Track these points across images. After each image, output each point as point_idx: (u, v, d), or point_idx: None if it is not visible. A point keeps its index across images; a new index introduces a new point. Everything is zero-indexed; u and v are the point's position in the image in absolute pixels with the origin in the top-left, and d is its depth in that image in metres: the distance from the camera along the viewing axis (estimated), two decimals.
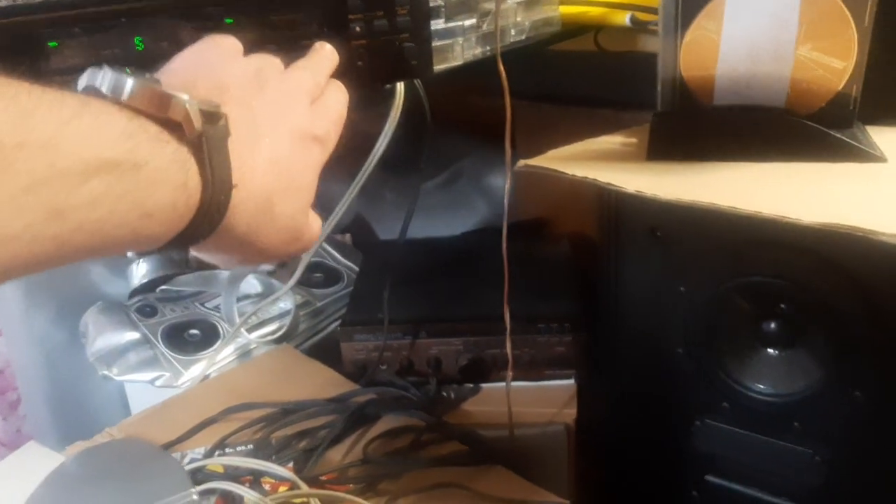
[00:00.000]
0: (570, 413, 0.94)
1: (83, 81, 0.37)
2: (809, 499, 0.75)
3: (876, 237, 0.54)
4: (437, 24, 0.77)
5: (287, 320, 1.12)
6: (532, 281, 1.04)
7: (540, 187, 1.26)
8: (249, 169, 0.39)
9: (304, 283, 1.24)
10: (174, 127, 0.36)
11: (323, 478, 0.78)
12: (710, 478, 0.81)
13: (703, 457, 0.81)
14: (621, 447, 0.88)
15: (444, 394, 0.96)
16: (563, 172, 0.71)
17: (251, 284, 1.18)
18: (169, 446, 0.84)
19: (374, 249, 1.26)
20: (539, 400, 0.96)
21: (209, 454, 0.81)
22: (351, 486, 0.76)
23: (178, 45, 0.49)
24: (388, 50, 0.64)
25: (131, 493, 0.46)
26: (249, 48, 0.59)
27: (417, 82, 0.74)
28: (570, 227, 1.25)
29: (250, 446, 0.83)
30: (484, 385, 0.99)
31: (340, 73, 0.62)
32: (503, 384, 0.98)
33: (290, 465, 0.80)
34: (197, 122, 0.36)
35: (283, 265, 1.26)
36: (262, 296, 1.17)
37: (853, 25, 0.67)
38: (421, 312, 1.00)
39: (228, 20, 0.58)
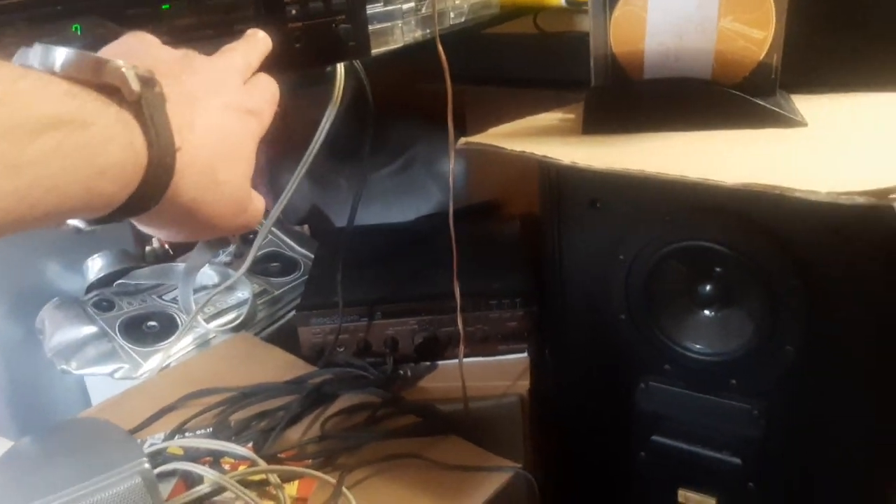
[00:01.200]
0: (524, 385, 0.97)
1: (16, 61, 0.39)
2: (749, 451, 0.79)
3: (791, 195, 0.58)
4: (376, 8, 0.80)
5: (245, 309, 1.13)
6: (483, 260, 1.08)
7: (494, 171, 1.30)
8: (189, 132, 0.41)
9: (262, 272, 1.25)
10: (113, 91, 0.37)
11: (282, 455, 0.80)
12: (656, 438, 0.85)
13: (649, 418, 0.84)
14: (572, 414, 0.92)
15: (401, 372, 0.98)
16: (501, 148, 0.74)
17: (208, 276, 1.19)
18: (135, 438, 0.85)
19: (329, 237, 1.27)
20: (494, 374, 0.99)
21: (169, 438, 0.83)
22: (309, 461, 0.78)
23: (116, 33, 0.50)
24: (325, 32, 0.65)
25: (81, 467, 0.48)
26: (186, 33, 0.60)
27: (359, 66, 0.76)
28: (522, 209, 1.28)
29: (209, 429, 0.85)
30: (440, 363, 1.01)
31: (278, 56, 0.64)
32: (452, 361, 1.01)
33: (250, 445, 0.81)
34: (135, 85, 0.37)
35: (239, 256, 1.27)
36: (219, 286, 1.18)
37: None
38: (375, 294, 1.02)
39: (165, 6, 0.59)
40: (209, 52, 0.50)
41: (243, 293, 1.16)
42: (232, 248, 1.27)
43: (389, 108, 1.47)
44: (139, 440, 0.83)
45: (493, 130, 0.80)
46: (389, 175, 1.46)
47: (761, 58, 0.73)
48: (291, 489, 0.75)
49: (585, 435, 0.91)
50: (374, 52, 0.78)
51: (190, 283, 1.12)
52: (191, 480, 0.75)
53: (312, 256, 1.29)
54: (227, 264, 1.24)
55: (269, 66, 0.64)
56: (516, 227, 1.19)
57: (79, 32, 0.56)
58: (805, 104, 0.79)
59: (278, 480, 0.75)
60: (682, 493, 0.85)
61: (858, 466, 0.74)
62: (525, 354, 1.02)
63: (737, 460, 0.80)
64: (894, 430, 0.72)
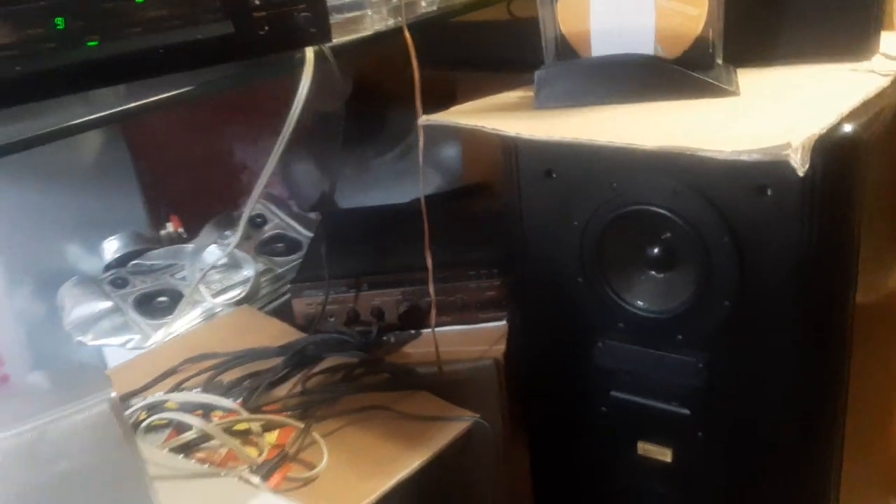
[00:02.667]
0: (500, 349, 1.03)
1: None
2: (696, 401, 0.84)
3: (702, 154, 0.63)
4: None
5: (248, 286, 1.21)
6: (466, 235, 1.14)
7: (485, 154, 1.36)
8: None
9: (268, 252, 1.34)
10: None
11: (266, 409, 0.87)
12: (614, 393, 0.90)
13: (607, 374, 0.90)
14: (537, 374, 0.98)
15: (385, 338, 1.05)
16: (457, 123, 0.80)
17: (215, 255, 1.27)
18: (133, 394, 0.94)
19: (327, 218, 1.35)
20: (472, 340, 1.06)
21: (164, 399, 0.91)
22: (289, 413, 0.86)
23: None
24: (287, 20, 0.73)
25: (55, 399, 0.55)
26: (158, 24, 0.68)
27: (328, 54, 0.83)
28: None
29: (203, 389, 0.93)
30: (424, 331, 1.08)
31: (245, 43, 0.72)
32: (441, 328, 1.08)
33: (239, 400, 0.89)
34: None
35: (247, 238, 1.36)
36: (227, 266, 1.27)
37: None
38: (363, 267, 1.10)
39: (139, 0, 0.67)
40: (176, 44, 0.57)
41: (248, 271, 1.24)
42: (238, 230, 1.36)
43: (390, 97, 1.55)
44: (140, 397, 0.92)
45: (454, 108, 0.87)
46: (391, 160, 1.54)
47: (698, 33, 0.78)
48: (272, 437, 0.83)
49: (550, 393, 0.97)
50: (345, 39, 0.86)
51: (196, 261, 1.21)
52: (181, 430, 0.83)
53: None
54: (236, 246, 1.32)
55: (239, 52, 0.72)
56: (499, 204, 1.25)
57: (62, 27, 0.64)
58: (748, 76, 0.84)
59: (259, 429, 0.83)
60: (642, 446, 0.91)
61: (794, 409, 0.79)
62: (504, 322, 1.08)
63: (685, 411, 0.85)
64: (821, 375, 0.77)
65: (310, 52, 0.80)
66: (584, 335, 0.90)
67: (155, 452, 0.77)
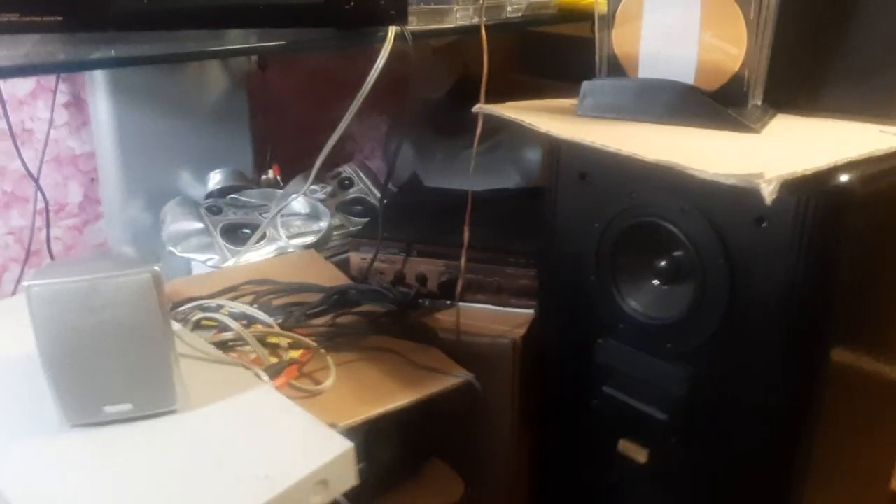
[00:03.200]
0: (520, 332, 1.12)
1: None
2: (675, 408, 0.91)
3: (688, 171, 0.71)
4: None
5: (321, 234, 1.36)
6: (516, 226, 1.24)
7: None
8: None
9: (346, 211, 1.48)
10: None
11: (298, 330, 1.00)
12: (606, 388, 0.98)
13: (603, 370, 0.97)
14: (545, 362, 1.06)
15: (421, 301, 1.16)
16: (502, 114, 0.90)
17: (301, 205, 1.42)
18: (197, 299, 1.09)
19: (403, 190, 1.47)
20: (499, 320, 1.15)
21: (221, 305, 1.06)
22: (315, 339, 0.99)
23: None
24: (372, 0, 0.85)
25: (111, 266, 0.70)
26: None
27: (408, 36, 0.94)
28: None
29: (255, 305, 1.07)
30: (461, 304, 1.19)
31: (333, 14, 0.85)
32: (475, 305, 1.18)
33: (279, 320, 1.03)
34: None
35: (333, 195, 1.51)
36: (308, 215, 1.42)
37: (742, 18, 0.82)
38: (416, 236, 1.21)
39: None
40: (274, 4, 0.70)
41: (324, 223, 1.39)
42: (328, 188, 1.51)
43: (488, 93, 1.66)
44: (206, 302, 1.07)
45: (510, 104, 0.97)
46: (480, 153, 1.64)
47: (735, 71, 0.85)
48: (295, 354, 0.96)
49: (553, 380, 1.05)
50: (426, 27, 0.98)
51: (283, 205, 1.36)
52: (224, 331, 0.97)
53: None
54: (322, 200, 1.47)
55: (326, 20, 0.86)
56: None
57: None
58: (786, 120, 0.90)
59: (286, 345, 0.96)
60: (623, 443, 0.98)
61: (767, 428, 0.84)
62: (532, 311, 1.17)
63: (664, 416, 0.92)
64: (794, 401, 0.82)
65: (391, 31, 0.92)
66: (588, 330, 0.98)
67: (193, 337, 0.91)
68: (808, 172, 0.71)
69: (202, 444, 0.73)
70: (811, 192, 0.75)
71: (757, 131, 0.84)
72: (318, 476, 0.69)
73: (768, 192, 0.66)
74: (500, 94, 1.47)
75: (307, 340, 0.97)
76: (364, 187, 1.53)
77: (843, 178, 0.75)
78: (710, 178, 0.69)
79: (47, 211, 1.41)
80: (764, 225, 0.78)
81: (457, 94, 1.72)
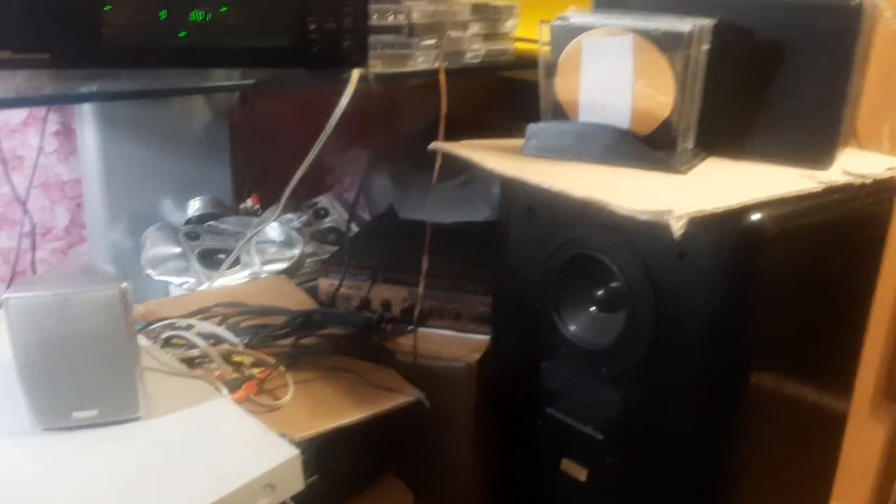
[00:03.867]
0: (476, 357, 1.19)
1: None
2: (609, 428, 0.97)
3: (608, 208, 0.78)
4: (401, 38, 1.07)
5: (293, 261, 1.43)
6: (477, 256, 1.31)
7: None
8: None
9: (319, 239, 1.55)
10: None
11: (263, 350, 1.07)
12: (549, 410, 1.04)
13: (547, 392, 1.04)
14: (496, 384, 1.12)
15: (384, 326, 1.23)
16: (459, 154, 0.98)
17: (276, 232, 1.50)
18: (170, 318, 1.15)
19: (374, 220, 1.55)
20: (457, 345, 1.22)
21: (191, 325, 1.12)
22: (278, 358, 1.05)
23: None
24: (334, 44, 0.93)
25: (82, 281, 0.76)
26: (222, 36, 0.89)
27: (371, 78, 1.02)
28: None
29: (224, 326, 1.14)
30: (421, 329, 1.25)
31: (299, 56, 0.92)
32: (435, 330, 1.25)
33: (244, 340, 1.09)
34: None
35: (308, 225, 1.58)
36: (282, 242, 1.49)
37: (670, 70, 0.90)
38: (382, 263, 1.28)
39: (223, 9, 0.89)
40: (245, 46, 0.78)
41: (297, 250, 1.46)
42: (304, 217, 1.59)
43: (465, 132, 1.74)
44: (177, 321, 1.13)
45: (464, 142, 1.04)
46: (452, 186, 1.73)
47: (665, 117, 0.93)
48: (257, 371, 1.02)
49: (503, 402, 1.11)
50: (388, 70, 1.06)
51: (259, 232, 1.43)
52: (192, 348, 1.04)
53: None
54: (297, 229, 1.55)
55: (292, 62, 0.93)
56: None
57: (164, 18, 0.87)
58: (715, 163, 0.98)
59: (248, 363, 1.02)
60: (565, 462, 1.04)
61: (695, 447, 0.90)
62: (489, 337, 1.23)
63: (599, 436, 0.98)
64: (718, 422, 0.89)
65: (355, 73, 0.99)
66: (535, 354, 1.04)
67: (161, 352, 0.97)
68: (718, 211, 0.78)
69: (161, 449, 0.79)
70: (726, 229, 0.82)
71: (683, 173, 0.92)
72: (265, 480, 0.75)
73: (676, 227, 0.74)
74: (474, 132, 1.55)
75: (269, 359, 1.03)
76: (339, 217, 1.60)
77: (756, 217, 0.83)
78: (628, 214, 0.77)
79: (34, 234, 1.48)
80: (686, 259, 0.86)
81: (433, 130, 1.80)
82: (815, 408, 1.06)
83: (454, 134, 1.15)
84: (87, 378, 0.79)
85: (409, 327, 1.25)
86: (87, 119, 1.41)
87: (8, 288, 1.46)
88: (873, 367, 1.48)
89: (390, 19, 1.04)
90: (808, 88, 0.94)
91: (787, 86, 0.96)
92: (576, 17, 0.96)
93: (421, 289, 1.13)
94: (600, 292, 0.97)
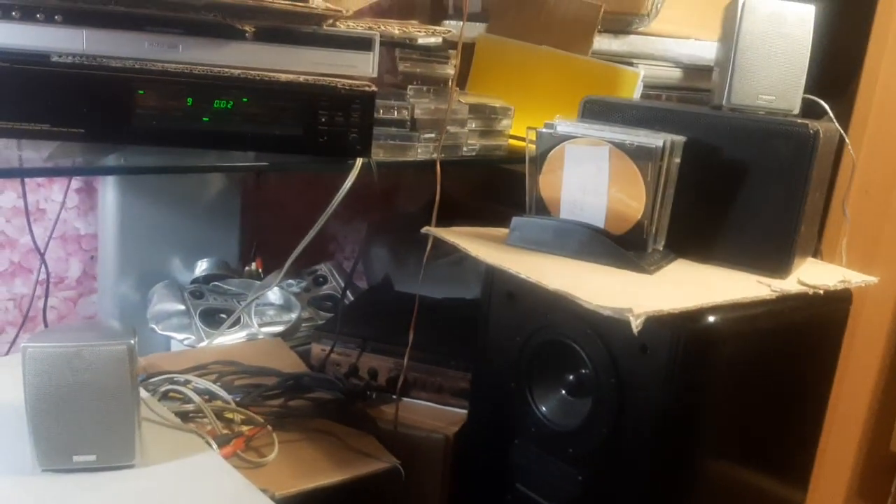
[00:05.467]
0: (454, 429, 1.25)
1: None
2: None
3: (577, 301, 0.86)
4: (403, 131, 1.17)
5: (290, 325, 1.50)
6: (463, 334, 1.38)
7: None
8: None
9: (318, 306, 1.63)
10: None
11: (253, 409, 1.14)
12: (518, 485, 1.10)
13: (516, 468, 1.10)
14: (469, 456, 1.19)
15: (369, 393, 1.29)
16: (448, 240, 1.07)
17: (276, 296, 1.58)
18: (169, 372, 1.23)
19: (368, 291, 1.63)
20: (437, 417, 1.28)
21: (189, 380, 1.19)
22: (266, 417, 1.12)
23: None
24: (341, 136, 1.03)
25: (93, 336, 0.84)
26: (241, 122, 0.99)
27: (373, 166, 1.11)
28: None
29: (219, 383, 1.21)
30: (405, 399, 1.32)
31: (309, 145, 1.02)
32: (417, 401, 1.32)
33: (237, 398, 1.16)
34: None
35: (307, 290, 1.66)
36: (280, 306, 1.57)
37: (640, 179, 1.00)
38: (371, 334, 1.36)
39: (244, 99, 0.99)
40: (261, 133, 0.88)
41: (294, 314, 1.54)
42: (304, 283, 1.67)
43: (460, 214, 1.84)
44: (176, 376, 1.21)
45: (455, 229, 1.13)
46: (445, 264, 1.81)
47: (636, 220, 1.02)
48: (245, 428, 1.09)
49: (477, 474, 1.17)
50: (390, 159, 1.16)
51: (260, 295, 1.51)
52: (187, 402, 1.11)
53: None
54: (296, 294, 1.63)
55: (302, 149, 1.03)
56: None
57: (190, 104, 0.97)
58: (683, 266, 1.06)
59: (239, 420, 1.09)
60: None
61: None
62: (467, 411, 1.30)
63: None
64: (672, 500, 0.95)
65: (358, 162, 1.09)
66: (507, 431, 1.11)
67: (158, 405, 1.04)
68: (675, 311, 0.86)
69: (150, 497, 0.86)
70: (683, 328, 0.90)
71: (650, 272, 1.00)
72: None
73: (635, 324, 0.82)
74: (469, 216, 1.64)
75: (258, 418, 1.10)
76: (336, 285, 1.68)
77: (711, 318, 0.91)
78: (593, 308, 0.85)
79: (48, 282, 1.56)
80: (647, 353, 0.93)
81: (431, 209, 1.90)
82: (770, 497, 1.12)
83: (449, 214, 1.24)
84: (89, 425, 0.86)
85: (393, 397, 1.32)
86: (109, 180, 1.51)
87: (18, 333, 1.56)
88: (847, 465, 1.54)
89: (395, 114, 1.14)
90: (768, 203, 1.04)
91: (749, 199, 1.05)
92: (561, 125, 1.06)
93: (406, 361, 1.20)
94: (570, 377, 1.04)
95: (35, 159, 0.97)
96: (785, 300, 0.99)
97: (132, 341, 0.85)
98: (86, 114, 0.94)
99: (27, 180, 1.49)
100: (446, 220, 1.84)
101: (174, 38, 0.95)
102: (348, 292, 1.69)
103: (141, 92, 0.94)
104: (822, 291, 1.02)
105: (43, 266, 1.54)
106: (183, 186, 1.55)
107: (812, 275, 1.05)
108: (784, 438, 1.10)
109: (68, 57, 0.92)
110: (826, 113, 1.13)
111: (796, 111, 1.10)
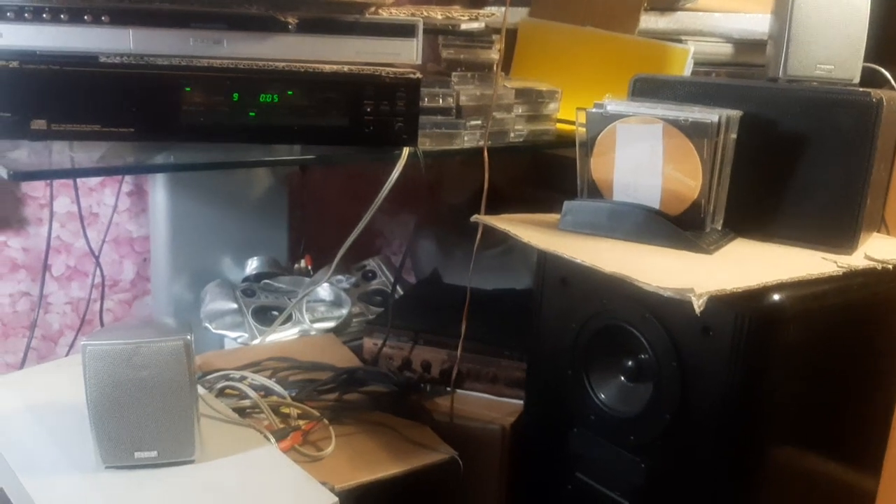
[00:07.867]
0: (511, 420, 1.23)
1: None
2: (634, 495, 1.01)
3: (635, 283, 0.84)
4: (449, 119, 1.15)
5: (341, 320, 1.50)
6: (516, 323, 1.37)
7: None
8: None
9: (366, 300, 1.63)
10: None
11: (309, 403, 1.14)
12: (578, 474, 1.08)
13: (576, 457, 1.08)
14: (528, 448, 1.17)
15: (423, 386, 1.29)
16: (493, 224, 1.05)
17: (326, 292, 1.58)
18: (225, 370, 1.23)
19: (418, 284, 1.62)
20: (493, 408, 1.27)
21: (245, 376, 1.20)
22: (322, 411, 1.12)
23: None
24: (387, 126, 1.02)
25: (152, 332, 0.85)
26: (287, 116, 0.99)
27: (420, 155, 1.10)
28: None
29: (274, 379, 1.21)
30: (459, 391, 1.31)
31: (355, 135, 1.01)
32: (472, 392, 1.30)
33: (293, 393, 1.16)
34: None
35: (357, 286, 1.66)
36: (331, 302, 1.57)
37: (697, 156, 0.97)
38: (423, 326, 1.35)
39: (290, 92, 0.99)
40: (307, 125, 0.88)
41: (345, 310, 1.54)
42: (353, 278, 1.67)
43: (508, 203, 1.82)
44: (231, 373, 1.21)
45: (504, 216, 1.12)
46: (493, 255, 1.80)
47: (693, 199, 0.99)
48: (302, 423, 1.09)
49: (534, 465, 1.16)
50: (436, 148, 1.14)
51: (311, 292, 1.51)
52: (244, 398, 1.11)
53: None
54: (346, 289, 1.63)
55: (349, 140, 1.02)
56: None
57: (236, 99, 0.97)
58: (743, 244, 1.03)
59: (295, 415, 1.09)
60: None
61: None
62: (522, 402, 1.28)
63: (626, 502, 1.02)
64: (738, 495, 0.92)
65: (405, 151, 1.08)
66: (565, 420, 1.09)
67: (216, 401, 1.05)
68: (738, 290, 0.83)
69: (212, 491, 0.86)
70: (747, 308, 0.87)
71: (710, 252, 0.97)
72: None
73: (697, 304, 0.79)
74: (516, 203, 1.62)
75: (314, 412, 1.10)
76: (385, 280, 1.68)
77: (776, 297, 0.88)
78: (653, 290, 0.82)
79: (103, 286, 1.59)
80: (711, 334, 0.91)
81: (477, 200, 1.88)
82: (839, 484, 1.08)
83: (496, 203, 1.22)
84: (150, 421, 0.86)
85: (447, 389, 1.30)
86: (158, 181, 1.52)
87: (76, 336, 1.58)
88: None
89: (440, 102, 1.13)
90: (831, 177, 1.00)
91: (810, 174, 1.01)
92: (611, 104, 1.03)
93: (459, 352, 1.19)
94: (629, 363, 1.02)
95: (87, 161, 0.98)
96: (852, 276, 0.95)
97: (189, 337, 0.86)
98: (135, 113, 0.94)
99: (80, 185, 1.52)
100: (492, 210, 1.82)
101: (218, 34, 0.96)
102: (399, 288, 1.68)
103: (188, 89, 0.95)
104: (891, 266, 0.97)
105: (98, 269, 1.56)
106: (231, 186, 1.56)
107: (879, 250, 1.01)
108: (853, 422, 1.06)
109: (116, 57, 0.93)
110: (888, 81, 1.09)
111: (856, 80, 1.05)
